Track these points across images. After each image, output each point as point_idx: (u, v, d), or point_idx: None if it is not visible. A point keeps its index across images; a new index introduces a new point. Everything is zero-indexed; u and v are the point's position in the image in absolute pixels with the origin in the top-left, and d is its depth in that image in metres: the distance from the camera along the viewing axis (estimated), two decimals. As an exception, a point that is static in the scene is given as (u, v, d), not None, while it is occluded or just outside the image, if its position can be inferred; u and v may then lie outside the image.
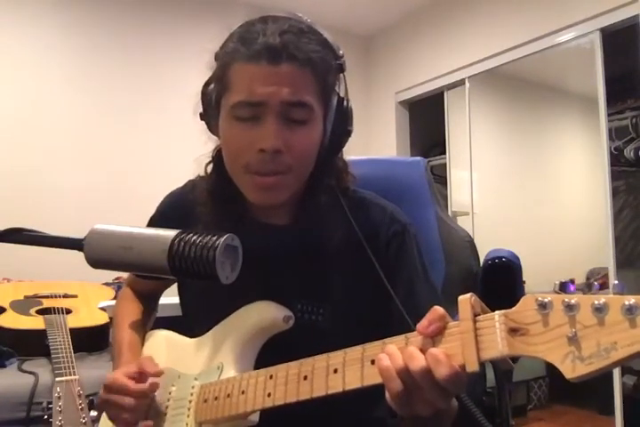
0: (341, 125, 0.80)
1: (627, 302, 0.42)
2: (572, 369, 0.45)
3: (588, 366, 0.44)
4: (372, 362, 0.59)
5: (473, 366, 0.51)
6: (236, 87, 0.73)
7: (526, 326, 0.48)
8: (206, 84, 0.80)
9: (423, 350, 0.55)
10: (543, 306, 0.47)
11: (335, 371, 0.62)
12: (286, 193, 0.78)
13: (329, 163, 0.82)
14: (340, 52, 0.79)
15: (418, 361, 0.54)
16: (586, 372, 0.44)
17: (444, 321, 0.55)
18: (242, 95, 0.72)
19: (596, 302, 0.44)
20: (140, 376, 0.79)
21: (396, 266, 0.82)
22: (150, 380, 0.77)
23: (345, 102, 0.80)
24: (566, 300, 0.46)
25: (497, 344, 0.49)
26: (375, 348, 0.60)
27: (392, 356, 0.56)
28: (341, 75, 0.80)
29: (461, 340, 0.52)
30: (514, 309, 0.50)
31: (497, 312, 0.51)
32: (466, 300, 0.53)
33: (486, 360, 0.51)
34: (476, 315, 0.52)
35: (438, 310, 0.56)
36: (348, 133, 0.82)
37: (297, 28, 0.74)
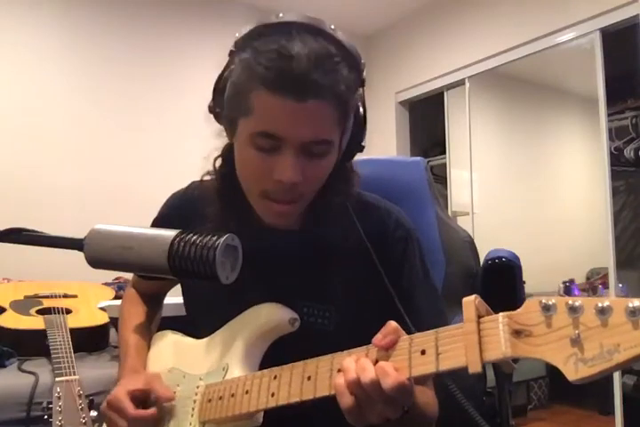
0: (357, 137, 0.80)
1: (630, 305, 0.42)
2: (574, 371, 0.44)
3: (591, 368, 0.44)
4: (376, 362, 0.59)
5: (475, 367, 0.51)
6: (258, 116, 0.71)
7: (530, 328, 0.48)
8: (220, 79, 0.77)
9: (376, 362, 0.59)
10: (547, 308, 0.47)
11: (339, 371, 0.62)
12: (296, 216, 0.80)
13: (340, 169, 0.82)
14: (362, 62, 0.78)
15: (368, 373, 0.58)
16: (588, 374, 0.44)
17: (397, 334, 0.60)
18: (263, 127, 0.70)
19: (600, 305, 0.44)
20: (144, 395, 0.78)
21: (400, 270, 0.83)
22: (152, 409, 0.77)
23: (361, 113, 0.79)
24: (570, 302, 0.46)
25: (500, 346, 0.50)
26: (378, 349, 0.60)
27: (347, 371, 0.60)
28: (361, 88, 0.79)
29: (465, 341, 0.52)
30: (518, 311, 0.50)
31: (501, 314, 0.51)
32: (470, 301, 0.53)
33: (489, 362, 0.51)
34: (479, 316, 0.52)
35: (392, 324, 0.61)
36: (360, 148, 0.82)
37: (325, 52, 0.70)
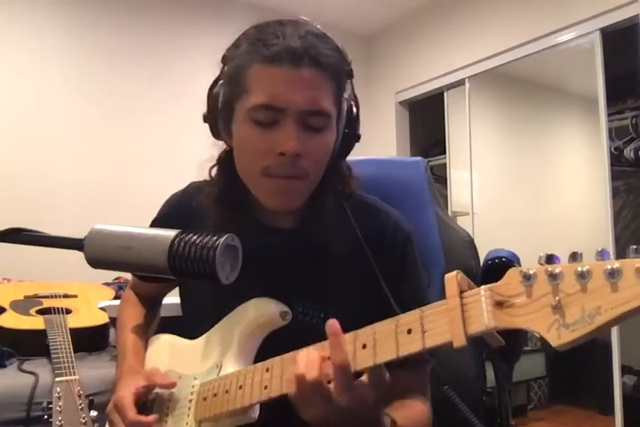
0: (351, 130, 0.81)
1: (609, 267, 0.43)
2: (557, 337, 0.45)
3: (573, 332, 0.44)
4: (364, 346, 0.60)
5: (460, 341, 0.51)
6: (255, 90, 0.72)
7: (511, 299, 0.49)
8: (213, 86, 0.79)
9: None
10: (527, 277, 0.48)
11: (329, 359, 0.63)
12: (301, 198, 0.79)
13: (336, 167, 0.83)
14: (349, 57, 0.80)
15: (313, 371, 0.61)
16: (571, 338, 0.44)
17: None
18: (262, 98, 0.71)
19: (579, 269, 0.44)
20: (148, 390, 0.79)
21: (399, 274, 0.83)
22: (152, 416, 0.77)
23: (354, 107, 0.81)
24: (550, 269, 0.46)
25: (482, 318, 0.50)
26: (366, 334, 0.61)
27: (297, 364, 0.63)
28: (350, 80, 0.81)
29: (448, 317, 0.53)
30: (499, 282, 0.51)
31: (482, 287, 0.52)
32: (452, 277, 0.54)
33: (473, 335, 0.51)
34: (462, 291, 0.53)
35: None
36: (357, 138, 0.82)
37: (314, 33, 0.74)
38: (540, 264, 0.48)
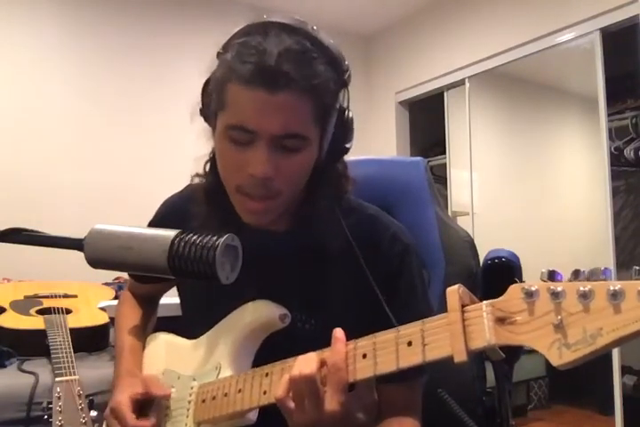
0: (342, 139, 0.79)
1: (611, 288, 0.43)
2: (558, 356, 0.45)
3: (575, 352, 0.44)
4: (364, 356, 0.60)
5: (461, 356, 0.51)
6: (230, 109, 0.72)
7: (513, 315, 0.49)
8: (206, 83, 0.79)
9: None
10: (529, 294, 0.48)
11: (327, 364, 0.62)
12: (274, 215, 0.78)
13: (327, 171, 0.81)
14: (345, 63, 0.77)
15: (308, 368, 0.62)
16: (572, 359, 0.44)
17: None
18: (235, 120, 0.71)
19: (582, 289, 0.44)
20: (145, 398, 0.79)
21: (395, 286, 0.81)
22: (151, 420, 0.78)
23: (346, 115, 0.78)
24: (552, 287, 0.46)
25: (484, 334, 0.50)
26: (366, 343, 0.61)
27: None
28: (344, 89, 0.78)
29: (450, 331, 0.53)
30: (501, 298, 0.51)
31: (484, 302, 0.52)
32: (454, 291, 0.53)
33: (474, 350, 0.51)
34: (464, 306, 0.53)
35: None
36: (345, 150, 0.81)
37: (298, 47, 0.70)
38: (543, 280, 0.48)
